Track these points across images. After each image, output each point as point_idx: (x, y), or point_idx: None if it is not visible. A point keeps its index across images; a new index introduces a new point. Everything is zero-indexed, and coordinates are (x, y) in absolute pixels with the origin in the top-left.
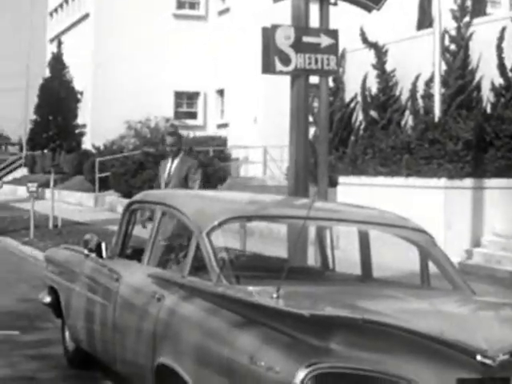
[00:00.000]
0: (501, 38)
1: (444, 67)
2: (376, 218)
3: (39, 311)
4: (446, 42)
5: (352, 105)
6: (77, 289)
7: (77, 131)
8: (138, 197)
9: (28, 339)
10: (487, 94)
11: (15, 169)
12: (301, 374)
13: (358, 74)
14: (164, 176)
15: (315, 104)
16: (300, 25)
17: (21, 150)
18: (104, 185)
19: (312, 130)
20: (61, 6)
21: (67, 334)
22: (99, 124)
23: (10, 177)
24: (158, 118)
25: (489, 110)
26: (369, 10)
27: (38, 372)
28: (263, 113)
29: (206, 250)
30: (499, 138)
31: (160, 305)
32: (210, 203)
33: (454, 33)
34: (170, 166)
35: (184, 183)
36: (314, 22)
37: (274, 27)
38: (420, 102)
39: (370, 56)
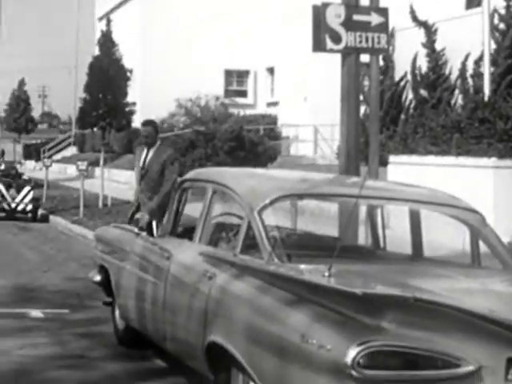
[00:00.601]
0: None
1: (493, 46)
2: (427, 197)
3: (89, 290)
4: (496, 20)
5: (402, 83)
6: (127, 267)
7: (127, 109)
8: (189, 175)
9: (78, 318)
10: None
11: (65, 147)
12: (352, 352)
13: (407, 53)
14: (139, 166)
15: (365, 83)
16: (350, 3)
17: (70, 128)
18: None
19: (362, 109)
20: None
21: (117, 312)
22: (149, 102)
23: (59, 155)
24: (209, 97)
25: None
26: None
27: (88, 350)
28: (314, 91)
29: (257, 228)
30: None
31: (211, 283)
32: (261, 181)
33: (503, 12)
34: (145, 157)
35: (160, 177)
36: (364, 0)
37: (325, 5)
38: (469, 80)
39: (420, 35)
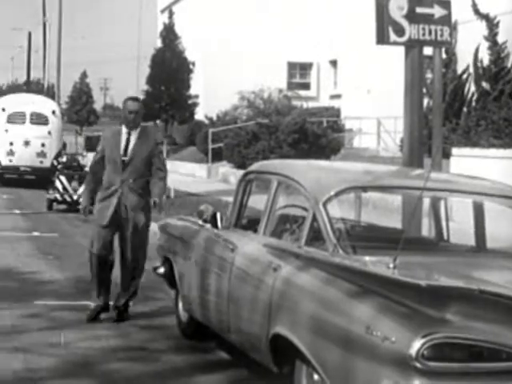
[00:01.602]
0: None
1: None
2: (490, 189)
3: (152, 281)
4: None
5: (464, 76)
6: (191, 259)
7: (189, 102)
8: (253, 167)
9: (140, 310)
10: None
11: None
12: (417, 344)
13: (469, 46)
14: (118, 153)
15: (427, 75)
16: None
17: None
18: (217, 156)
19: (425, 102)
20: None
21: (180, 304)
22: (212, 94)
23: None
24: (272, 89)
25: None
26: None
27: (150, 342)
28: (377, 84)
29: (322, 220)
30: None
31: (276, 275)
32: (326, 173)
33: None
34: (127, 142)
35: (146, 167)
36: None
37: None
38: None
39: (482, 28)
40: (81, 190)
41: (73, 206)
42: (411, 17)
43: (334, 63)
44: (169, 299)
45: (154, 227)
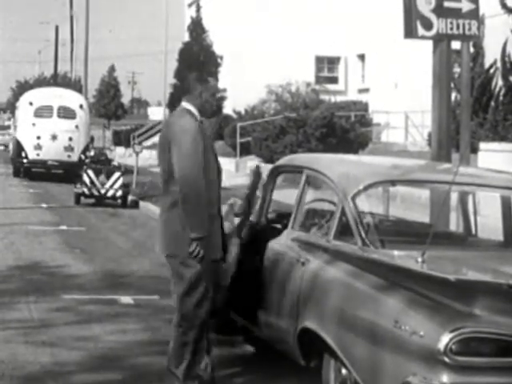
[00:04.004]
0: None
1: None
2: None
3: None
4: None
5: (491, 71)
6: None
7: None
8: (282, 161)
9: (167, 303)
10: None
11: (155, 134)
12: (445, 339)
13: (496, 40)
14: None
15: (455, 70)
16: None
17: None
18: (245, 150)
19: (453, 96)
20: None
21: None
22: (240, 88)
23: (149, 142)
24: (299, 83)
25: None
26: None
27: None
28: (404, 78)
29: (351, 214)
30: None
31: (304, 269)
32: (354, 168)
33: None
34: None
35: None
36: None
37: None
38: None
39: (509, 22)
40: (109, 183)
41: (100, 200)
42: (439, 11)
43: (361, 57)
44: None
45: None
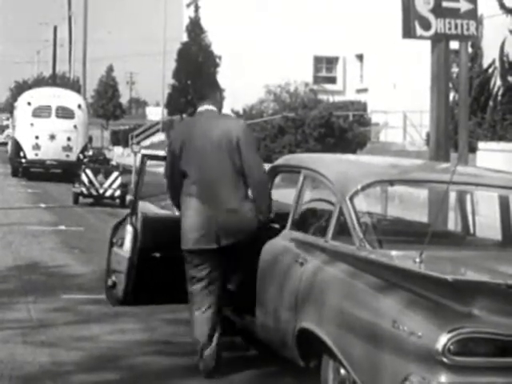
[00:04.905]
0: None
1: None
2: None
3: None
4: None
5: (490, 70)
6: None
7: None
8: (280, 161)
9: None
10: None
11: (153, 133)
12: (443, 339)
13: (495, 40)
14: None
15: (453, 69)
16: None
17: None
18: None
19: (451, 96)
20: None
21: None
22: (238, 88)
23: (147, 141)
24: (298, 83)
25: None
26: None
27: (176, 336)
28: (402, 78)
29: (348, 214)
30: None
31: (303, 269)
32: (352, 167)
33: None
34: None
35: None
36: None
37: None
38: None
39: (507, 22)
40: (107, 183)
41: (98, 200)
42: (437, 11)
43: (360, 57)
44: None
45: None
